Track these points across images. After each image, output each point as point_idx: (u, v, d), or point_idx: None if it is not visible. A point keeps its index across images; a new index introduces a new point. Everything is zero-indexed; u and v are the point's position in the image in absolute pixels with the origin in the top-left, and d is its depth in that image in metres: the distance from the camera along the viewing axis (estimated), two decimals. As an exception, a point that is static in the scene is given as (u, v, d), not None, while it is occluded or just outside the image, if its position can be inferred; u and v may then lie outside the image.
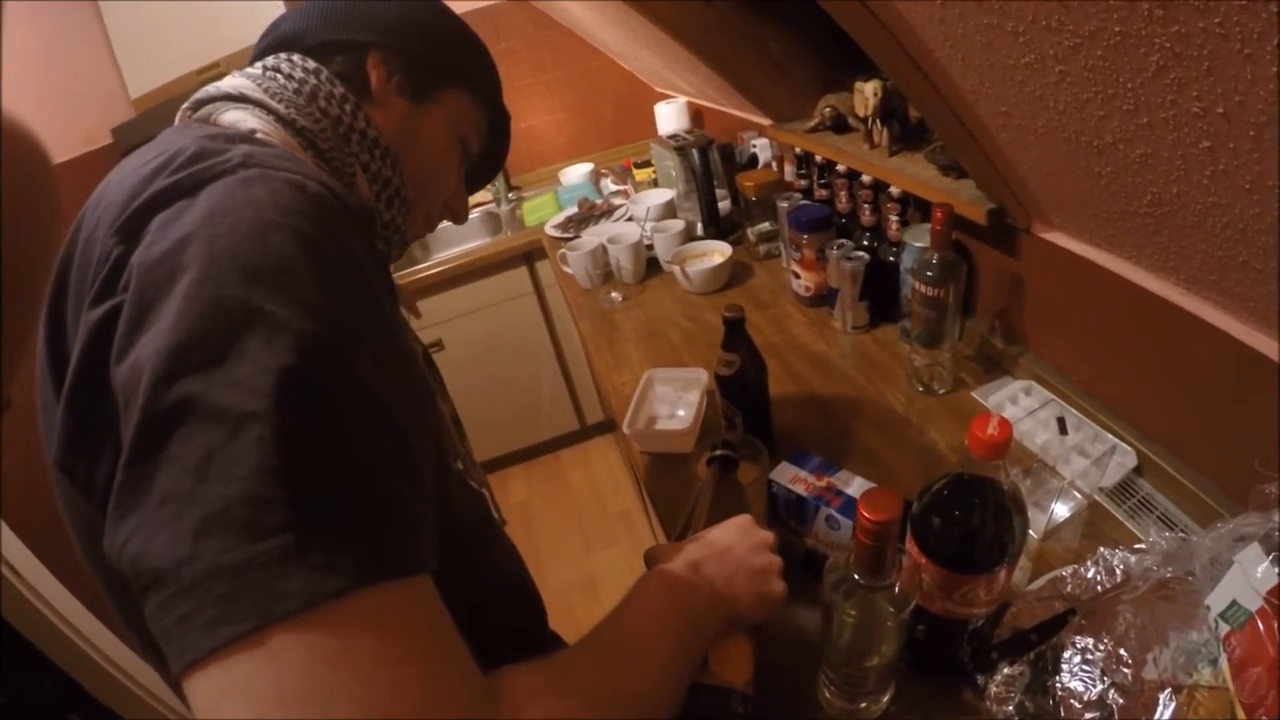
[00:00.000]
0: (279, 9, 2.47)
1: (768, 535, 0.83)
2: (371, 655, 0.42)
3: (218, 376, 0.44)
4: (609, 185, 3.03)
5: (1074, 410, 1.21)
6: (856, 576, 0.71)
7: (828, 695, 0.86)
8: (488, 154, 0.98)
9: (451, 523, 0.63)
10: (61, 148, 2.34)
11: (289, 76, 0.75)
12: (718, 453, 0.97)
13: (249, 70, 0.77)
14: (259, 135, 0.66)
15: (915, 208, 1.48)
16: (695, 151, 2.11)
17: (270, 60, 0.77)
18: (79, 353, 0.51)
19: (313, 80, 0.76)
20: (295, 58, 0.77)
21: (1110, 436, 1.13)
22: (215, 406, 0.43)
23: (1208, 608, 0.73)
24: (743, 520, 0.84)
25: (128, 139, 2.55)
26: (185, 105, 0.74)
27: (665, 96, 3.11)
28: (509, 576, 0.90)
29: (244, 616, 0.40)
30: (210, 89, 0.73)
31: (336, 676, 0.40)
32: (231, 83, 0.73)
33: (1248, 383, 0.90)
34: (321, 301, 0.49)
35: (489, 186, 3.27)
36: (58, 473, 0.57)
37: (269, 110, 0.71)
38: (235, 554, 0.40)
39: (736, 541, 0.80)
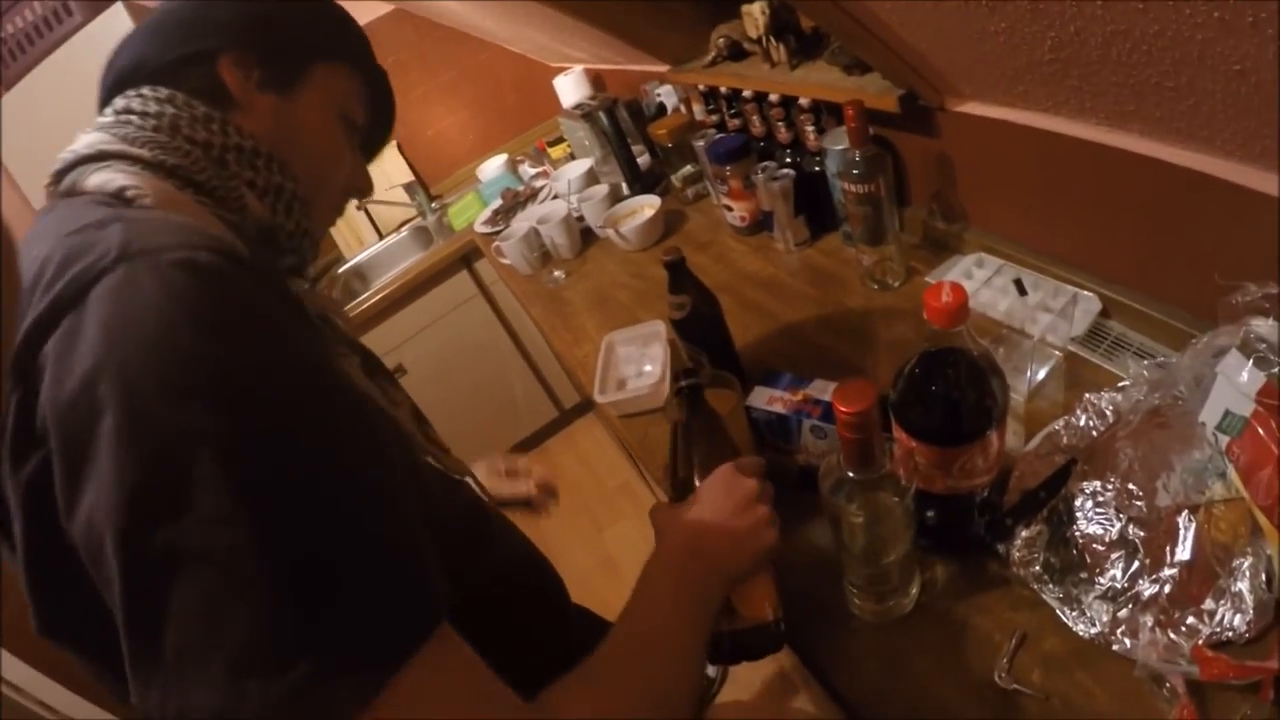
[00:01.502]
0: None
1: (751, 483, 0.80)
2: None
3: (186, 520, 0.43)
4: (528, 170, 2.98)
5: (1028, 271, 1.21)
6: (851, 474, 0.70)
7: (857, 602, 0.86)
8: (376, 119, 0.91)
9: (440, 518, 0.64)
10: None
11: (143, 114, 0.69)
12: (681, 384, 0.95)
13: (100, 120, 0.71)
14: (130, 193, 0.61)
15: (828, 113, 1.46)
16: (603, 114, 2.09)
17: (120, 102, 0.71)
18: (23, 520, 0.49)
19: (170, 110, 0.69)
20: (145, 91, 0.71)
21: (1069, 287, 1.14)
22: (195, 550, 0.43)
23: (1203, 424, 0.74)
24: (724, 475, 0.81)
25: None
26: (47, 182, 0.68)
27: (561, 70, 3.05)
28: (512, 553, 0.88)
29: None
30: (67, 154, 0.67)
31: None
32: (87, 140, 0.67)
33: (1188, 202, 0.90)
34: (251, 382, 0.48)
35: (412, 202, 3.22)
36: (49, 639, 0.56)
37: (134, 159, 0.65)
38: (276, 688, 0.42)
39: (723, 505, 0.78)
